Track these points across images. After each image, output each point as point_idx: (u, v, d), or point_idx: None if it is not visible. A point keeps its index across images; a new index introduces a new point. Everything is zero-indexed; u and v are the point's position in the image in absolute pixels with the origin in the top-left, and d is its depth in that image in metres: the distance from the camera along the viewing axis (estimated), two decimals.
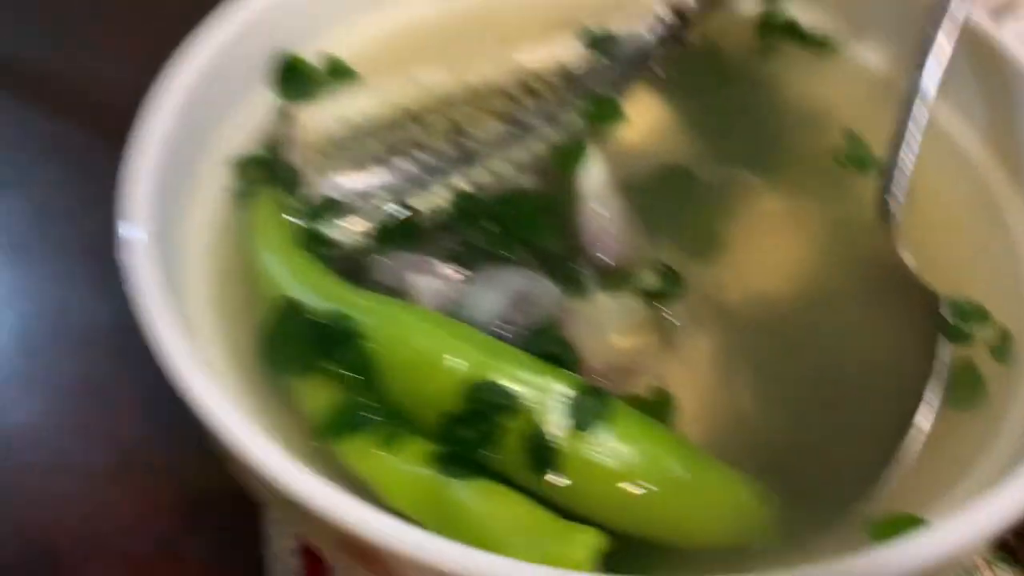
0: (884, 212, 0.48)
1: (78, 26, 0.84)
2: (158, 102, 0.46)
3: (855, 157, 0.52)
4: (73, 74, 0.81)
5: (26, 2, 0.86)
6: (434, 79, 0.52)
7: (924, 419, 0.42)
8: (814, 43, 0.58)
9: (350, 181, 0.48)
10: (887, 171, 0.49)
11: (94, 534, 0.54)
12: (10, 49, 0.83)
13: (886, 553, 0.32)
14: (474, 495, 0.38)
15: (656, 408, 0.42)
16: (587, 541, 0.36)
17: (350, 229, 0.48)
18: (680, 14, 0.56)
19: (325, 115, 0.50)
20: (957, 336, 0.44)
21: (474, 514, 0.37)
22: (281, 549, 0.52)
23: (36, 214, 0.70)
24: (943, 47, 0.50)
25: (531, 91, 0.53)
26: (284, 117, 0.52)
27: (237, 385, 0.43)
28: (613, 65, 0.55)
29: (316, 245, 0.47)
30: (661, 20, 0.56)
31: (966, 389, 0.43)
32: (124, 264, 0.40)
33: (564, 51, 0.55)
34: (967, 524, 0.33)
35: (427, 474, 0.39)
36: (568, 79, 0.54)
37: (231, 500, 0.52)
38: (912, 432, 0.42)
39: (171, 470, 0.56)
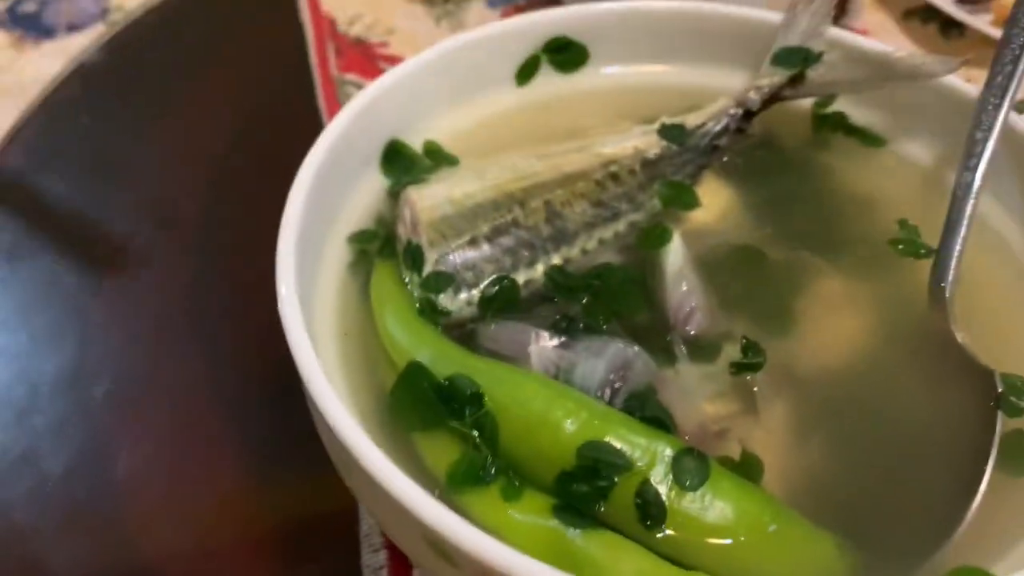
0: (938, 296, 0.52)
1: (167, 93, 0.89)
2: (300, 178, 0.52)
3: (908, 243, 0.56)
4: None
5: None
6: (529, 165, 0.57)
7: (985, 483, 0.46)
8: (863, 136, 0.63)
9: (461, 257, 0.53)
10: (939, 259, 0.53)
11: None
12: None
13: None
14: (596, 544, 0.42)
15: (745, 469, 0.46)
16: None
17: (460, 300, 0.52)
18: (745, 108, 0.62)
19: (437, 197, 0.55)
20: (1010, 408, 0.48)
21: (598, 562, 0.42)
22: None
23: (125, 277, 0.75)
24: (986, 145, 0.55)
25: (614, 177, 0.58)
26: (393, 196, 0.58)
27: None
28: (685, 153, 0.60)
29: (431, 313, 0.52)
30: (727, 113, 0.62)
31: (1019, 457, 0.48)
32: (283, 321, 0.45)
33: (642, 142, 0.60)
34: None
35: (550, 524, 0.43)
36: (646, 165, 0.59)
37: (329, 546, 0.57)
38: (976, 494, 0.46)
39: (269, 515, 0.59)
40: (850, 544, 0.44)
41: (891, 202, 0.60)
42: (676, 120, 0.61)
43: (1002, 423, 0.48)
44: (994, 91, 0.56)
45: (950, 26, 0.95)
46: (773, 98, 0.62)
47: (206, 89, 0.89)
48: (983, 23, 0.91)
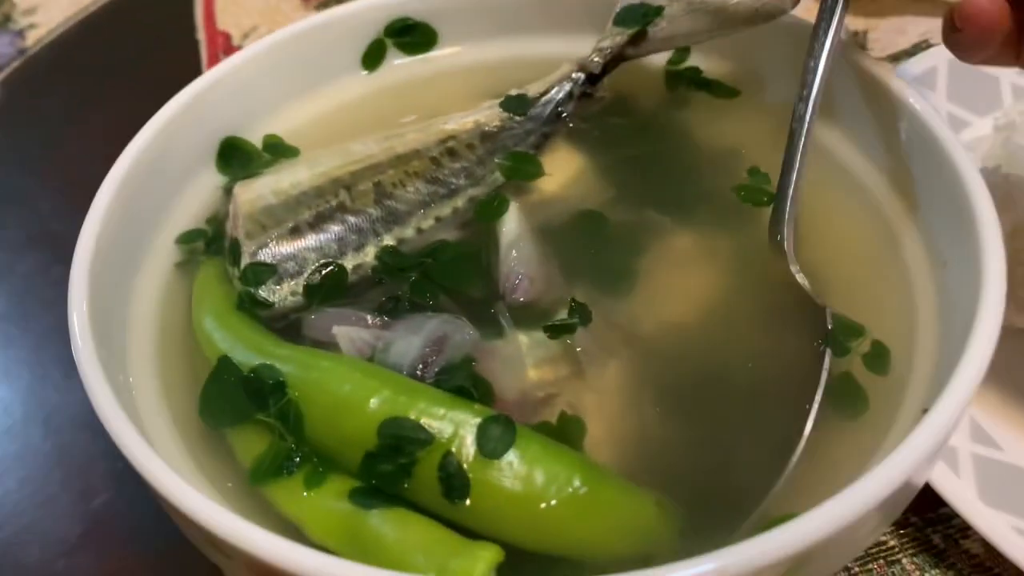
0: (775, 233, 0.50)
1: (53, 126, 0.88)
2: (101, 189, 0.50)
3: (755, 190, 0.55)
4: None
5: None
6: (364, 149, 0.55)
7: (808, 427, 0.44)
8: (717, 88, 0.61)
9: (282, 247, 0.51)
10: (778, 195, 0.51)
11: None
12: None
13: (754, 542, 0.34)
14: (386, 523, 0.40)
15: (565, 432, 0.44)
16: (486, 556, 0.38)
17: (282, 291, 0.51)
18: (587, 72, 0.59)
19: (262, 189, 0.53)
20: (838, 349, 0.46)
21: (385, 541, 0.40)
22: None
23: (12, 305, 0.74)
24: (816, 74, 0.52)
25: (452, 152, 0.56)
26: (227, 194, 0.56)
27: (180, 440, 0.46)
28: (528, 123, 0.58)
29: (252, 307, 0.50)
30: (569, 78, 0.59)
31: (848, 399, 0.46)
32: (72, 340, 0.44)
33: (484, 115, 0.58)
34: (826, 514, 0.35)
35: (346, 508, 0.41)
36: (486, 138, 0.57)
37: (198, 570, 0.55)
38: (802, 442, 0.44)
39: (138, 539, 0.58)
40: (680, 502, 0.43)
41: (746, 152, 0.58)
42: (519, 91, 0.59)
43: (830, 363, 0.46)
44: (824, 15, 0.53)
45: None
46: (617, 59, 0.60)
47: (101, 117, 0.88)
48: None
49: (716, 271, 0.53)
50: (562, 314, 0.49)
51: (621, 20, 0.60)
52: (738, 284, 0.52)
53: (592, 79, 0.60)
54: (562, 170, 0.58)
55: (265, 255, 0.51)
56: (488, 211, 0.54)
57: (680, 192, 0.57)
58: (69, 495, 0.60)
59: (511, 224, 0.53)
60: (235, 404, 0.45)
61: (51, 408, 0.66)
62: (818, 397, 0.45)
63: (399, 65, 0.64)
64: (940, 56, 0.71)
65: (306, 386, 0.45)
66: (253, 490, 0.44)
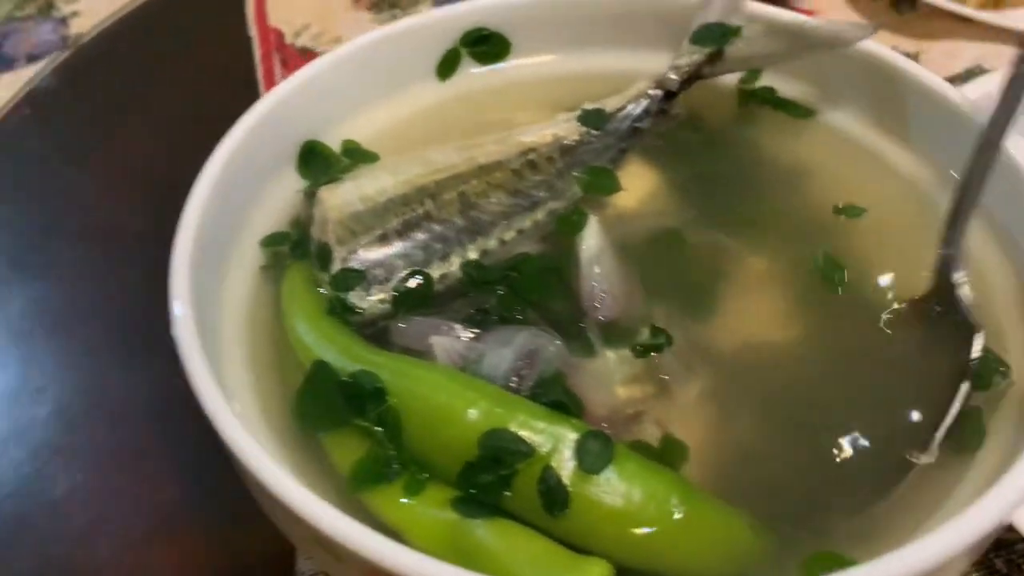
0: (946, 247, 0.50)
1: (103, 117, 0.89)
2: (196, 189, 0.51)
3: (849, 208, 0.56)
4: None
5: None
6: (445, 158, 0.56)
7: (923, 458, 0.45)
8: (790, 108, 0.62)
9: (371, 253, 0.52)
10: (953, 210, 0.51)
11: None
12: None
13: None
14: (491, 534, 0.41)
15: (667, 454, 0.45)
16: (597, 572, 0.39)
17: (372, 298, 0.51)
18: (664, 89, 0.60)
19: (348, 195, 0.53)
20: (980, 382, 0.47)
21: (492, 551, 0.41)
22: None
23: (72, 298, 0.74)
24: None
25: (532, 165, 0.57)
26: (309, 197, 0.57)
27: (272, 442, 0.46)
28: (606, 138, 0.59)
29: (342, 312, 0.50)
30: (647, 95, 0.60)
31: (968, 435, 0.46)
32: (174, 335, 0.44)
33: (562, 129, 0.59)
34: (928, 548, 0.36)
35: (448, 517, 0.42)
36: (565, 152, 0.58)
37: (265, 562, 0.56)
38: (905, 470, 0.45)
39: (207, 533, 0.58)
40: (770, 523, 0.43)
41: (821, 173, 0.59)
42: (596, 105, 0.60)
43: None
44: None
45: (901, 1, 0.94)
46: (693, 77, 0.60)
47: (155, 109, 0.89)
48: None
49: (798, 294, 0.53)
50: (643, 331, 0.50)
51: (698, 39, 0.61)
52: (822, 309, 0.53)
53: (668, 96, 0.60)
54: (639, 186, 0.58)
55: (355, 261, 0.52)
56: (568, 225, 0.55)
57: (758, 211, 0.58)
58: (136, 488, 0.61)
59: (592, 239, 0.54)
60: (332, 409, 0.46)
61: (112, 402, 0.66)
62: (945, 426, 0.45)
63: (472, 74, 0.65)
64: (995, 82, 0.71)
65: (403, 393, 0.45)
66: (348, 493, 0.44)
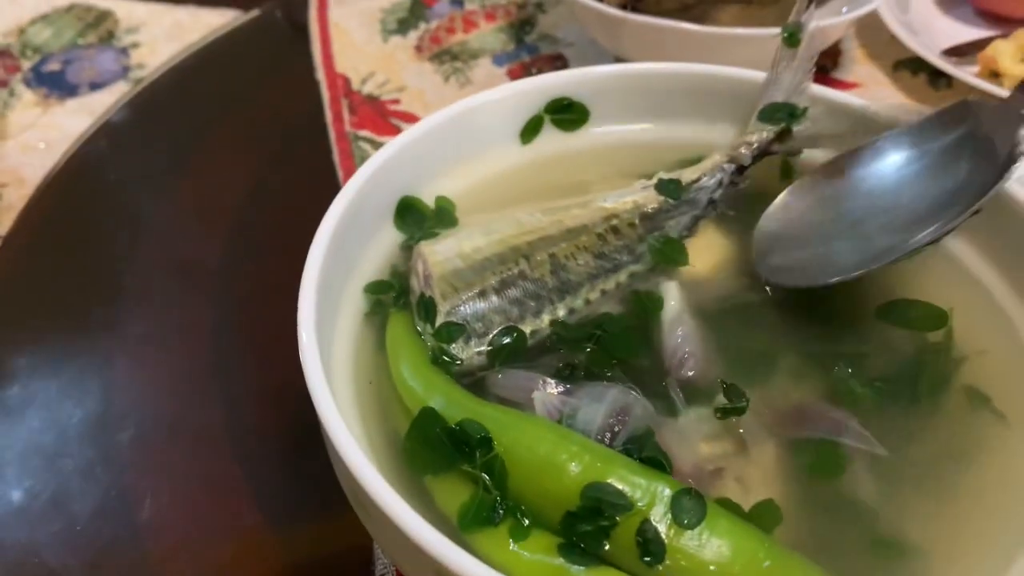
0: None
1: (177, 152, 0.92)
2: (318, 239, 0.54)
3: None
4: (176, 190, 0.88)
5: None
6: (534, 220, 0.60)
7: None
8: None
9: (471, 308, 0.56)
10: None
11: None
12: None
13: None
14: None
15: (761, 519, 0.48)
16: None
17: (471, 349, 0.55)
18: (737, 163, 0.64)
19: (448, 252, 0.57)
20: None
21: None
22: None
23: (148, 327, 0.77)
24: None
25: (615, 230, 0.60)
26: (405, 250, 0.61)
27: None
28: (682, 207, 0.63)
29: (444, 361, 0.54)
30: (721, 168, 0.64)
31: None
32: (304, 368, 0.47)
33: (641, 197, 0.62)
34: None
35: (554, 562, 0.45)
36: (645, 219, 0.62)
37: None
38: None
39: (287, 558, 0.61)
40: None
41: None
42: (672, 175, 0.64)
43: None
44: None
45: (938, 77, 0.98)
46: (763, 152, 0.64)
47: (225, 145, 0.92)
48: (968, 75, 0.94)
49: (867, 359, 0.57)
50: (720, 392, 0.53)
51: (766, 116, 0.65)
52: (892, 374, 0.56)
53: (740, 170, 0.64)
54: (714, 253, 0.62)
55: (457, 315, 0.55)
56: (644, 305, 0.58)
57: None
58: (217, 513, 0.63)
59: (672, 302, 0.57)
60: (440, 453, 0.49)
61: (192, 429, 0.69)
62: None
63: (552, 139, 0.69)
64: None
65: (508, 443, 0.48)
66: (451, 532, 0.46)
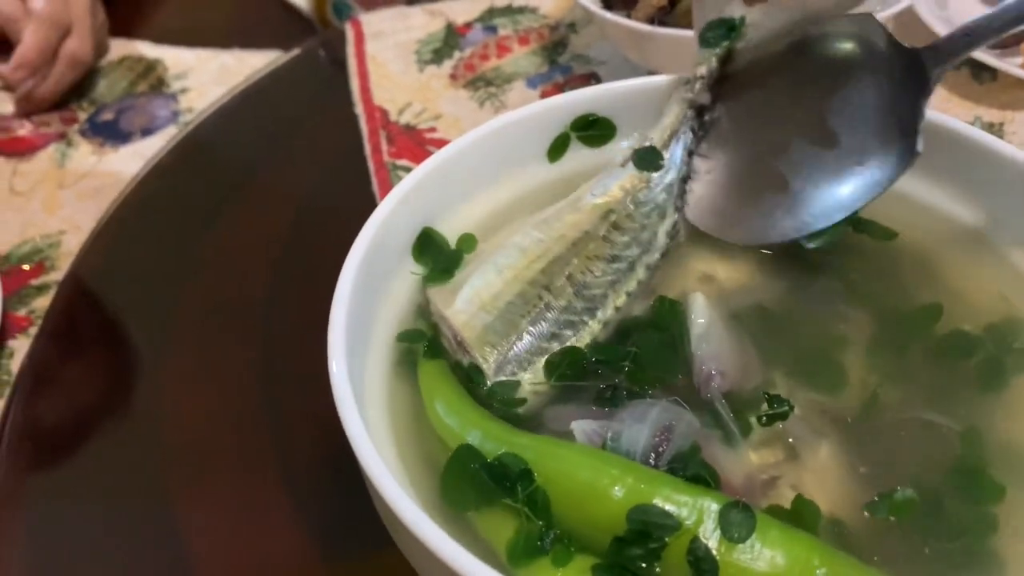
0: None
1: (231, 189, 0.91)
2: (343, 279, 0.52)
3: None
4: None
5: None
6: (533, 241, 0.57)
7: None
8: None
9: (513, 356, 0.53)
10: None
11: None
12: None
13: None
14: None
15: (802, 516, 0.45)
16: None
17: (525, 392, 0.52)
18: (698, 105, 0.61)
19: (467, 306, 0.54)
20: None
21: None
22: None
23: (203, 365, 0.75)
24: None
25: (616, 227, 0.58)
26: (425, 283, 0.58)
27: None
28: (667, 174, 0.60)
29: (501, 408, 0.52)
30: (685, 117, 0.61)
31: None
32: (339, 411, 0.45)
33: (626, 180, 0.59)
34: None
35: None
36: (639, 205, 0.59)
37: None
38: None
39: None
40: None
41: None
42: (643, 144, 0.61)
43: None
44: None
45: (981, 70, 0.93)
46: (719, 80, 0.61)
47: (268, 182, 0.91)
48: (1013, 66, 0.89)
49: (904, 353, 0.54)
50: (764, 399, 0.50)
51: (706, 40, 0.61)
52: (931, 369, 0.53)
53: (702, 110, 0.61)
54: (748, 256, 0.59)
55: (505, 372, 0.53)
56: (665, 314, 0.55)
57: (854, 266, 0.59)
58: (268, 549, 0.61)
59: (698, 316, 0.54)
60: (480, 488, 0.47)
61: (241, 464, 0.67)
62: None
63: (580, 156, 0.66)
64: None
65: (548, 473, 0.46)
66: (493, 561, 0.44)
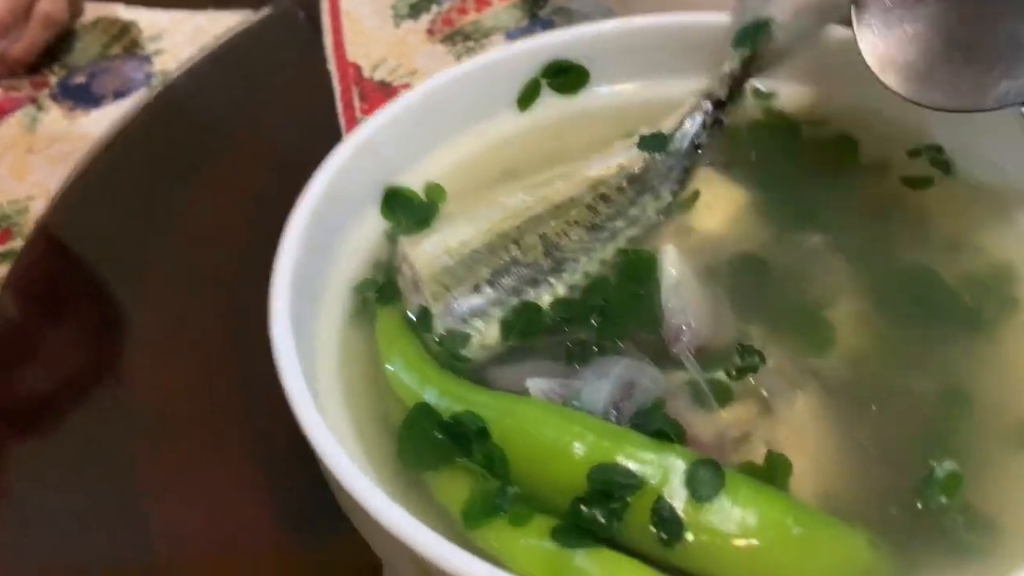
0: None
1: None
2: (289, 228, 0.50)
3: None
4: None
5: None
6: (518, 201, 0.54)
7: None
8: None
9: (466, 304, 0.50)
10: None
11: None
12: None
13: None
14: (593, 562, 0.39)
15: (772, 472, 0.43)
16: None
17: (473, 346, 0.50)
18: (715, 99, 0.58)
19: (433, 249, 0.52)
20: None
21: None
22: None
23: (170, 334, 0.72)
24: None
25: (604, 198, 0.55)
26: (392, 240, 0.56)
27: (372, 473, 0.45)
28: (669, 160, 0.57)
29: (451, 363, 0.49)
30: (700, 109, 0.58)
31: None
32: (277, 365, 0.43)
33: (624, 158, 0.57)
34: None
35: (550, 546, 0.40)
36: (633, 181, 0.56)
37: None
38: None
39: (289, 549, 0.56)
40: (891, 539, 0.41)
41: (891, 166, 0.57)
42: (653, 129, 0.58)
43: None
44: None
45: None
46: (740, 80, 0.58)
47: (241, 141, 0.88)
48: None
49: (886, 297, 0.51)
50: (736, 354, 0.48)
51: (739, 41, 0.58)
52: (911, 310, 0.51)
53: (720, 106, 0.58)
54: (721, 206, 0.56)
55: (453, 315, 0.50)
56: (637, 266, 0.52)
57: (837, 216, 0.56)
58: (229, 520, 0.59)
59: (669, 269, 0.51)
60: (437, 448, 0.44)
61: (205, 435, 0.64)
62: None
63: (552, 104, 0.63)
64: None
65: (507, 431, 0.44)
66: (448, 521, 0.43)
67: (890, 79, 0.52)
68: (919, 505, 0.42)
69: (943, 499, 0.42)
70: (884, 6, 0.53)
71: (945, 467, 0.43)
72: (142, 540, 0.58)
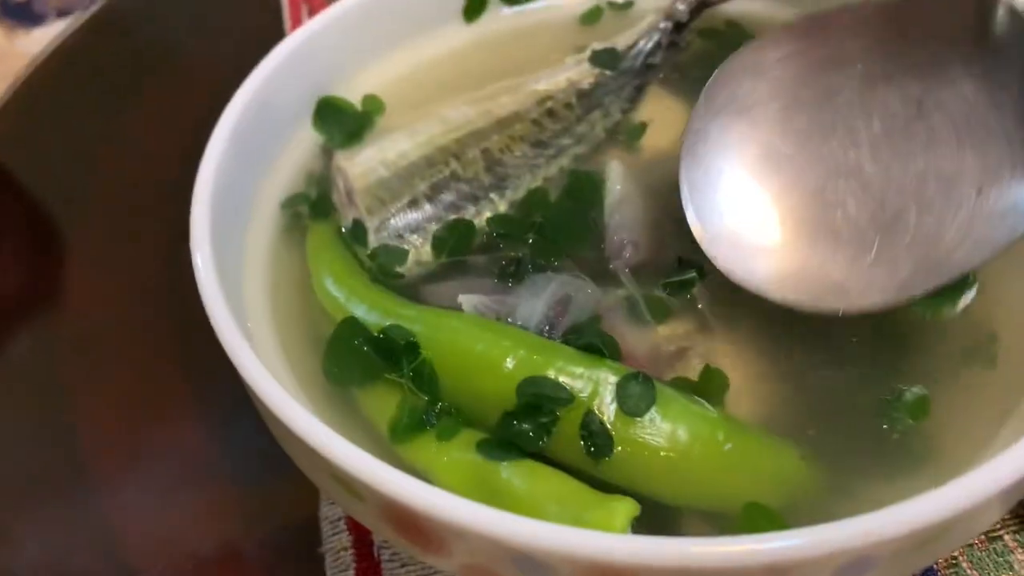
0: None
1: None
2: (213, 140, 0.48)
3: None
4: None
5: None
6: (461, 115, 0.52)
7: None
8: None
9: (403, 220, 0.49)
10: None
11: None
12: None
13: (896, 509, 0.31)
14: (517, 475, 0.39)
15: (708, 387, 0.42)
16: (623, 509, 0.37)
17: (408, 263, 0.48)
18: (674, 20, 0.57)
19: (370, 161, 0.50)
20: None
21: (518, 491, 0.38)
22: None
23: (106, 257, 0.70)
24: None
25: (551, 113, 0.54)
26: (326, 153, 0.54)
27: (303, 398, 0.44)
28: (620, 77, 0.56)
29: (384, 279, 0.48)
30: (657, 28, 0.57)
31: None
32: (198, 283, 0.41)
33: (575, 73, 0.55)
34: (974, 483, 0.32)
35: (475, 459, 0.39)
36: (582, 96, 0.54)
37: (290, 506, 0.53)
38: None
39: (233, 480, 0.55)
40: (822, 454, 0.41)
41: None
42: (607, 44, 0.56)
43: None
44: None
45: None
46: (701, 5, 0.57)
47: (184, 60, 0.85)
48: None
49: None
50: (675, 270, 0.47)
51: None
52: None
53: (679, 27, 0.57)
54: (668, 123, 0.54)
55: (388, 230, 0.49)
56: (584, 186, 0.51)
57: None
58: (164, 436, 0.57)
59: (614, 185, 0.50)
60: (364, 363, 0.43)
61: (139, 346, 0.63)
62: None
63: (500, 16, 0.61)
64: None
65: (437, 346, 0.43)
66: (378, 440, 0.42)
67: (738, 272, 0.45)
68: (858, 424, 0.42)
69: (909, 421, 0.41)
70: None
71: (914, 391, 0.42)
72: (73, 465, 0.56)
